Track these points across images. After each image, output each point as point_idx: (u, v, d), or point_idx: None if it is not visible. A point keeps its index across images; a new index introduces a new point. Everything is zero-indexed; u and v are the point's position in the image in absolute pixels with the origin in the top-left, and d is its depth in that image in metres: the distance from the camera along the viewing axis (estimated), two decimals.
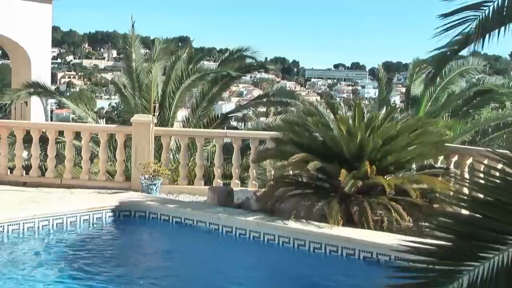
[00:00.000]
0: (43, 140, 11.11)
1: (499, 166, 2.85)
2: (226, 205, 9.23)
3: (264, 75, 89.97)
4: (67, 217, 8.84)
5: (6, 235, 8.19)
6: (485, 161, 7.73)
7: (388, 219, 8.06)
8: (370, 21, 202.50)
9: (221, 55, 15.90)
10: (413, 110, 13.16)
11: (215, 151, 11.04)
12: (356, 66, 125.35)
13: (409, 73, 14.84)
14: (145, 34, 23.05)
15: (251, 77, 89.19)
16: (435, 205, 8.10)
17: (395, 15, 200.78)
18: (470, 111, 13.42)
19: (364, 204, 8.16)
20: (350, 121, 9.14)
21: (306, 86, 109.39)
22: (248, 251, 8.41)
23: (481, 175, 2.91)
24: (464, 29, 5.22)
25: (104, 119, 22.89)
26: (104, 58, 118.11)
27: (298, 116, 10.44)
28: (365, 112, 9.42)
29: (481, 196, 2.83)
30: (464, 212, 2.88)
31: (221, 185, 10.43)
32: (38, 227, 8.55)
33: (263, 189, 9.41)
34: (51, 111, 23.31)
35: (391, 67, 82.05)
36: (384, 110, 10.33)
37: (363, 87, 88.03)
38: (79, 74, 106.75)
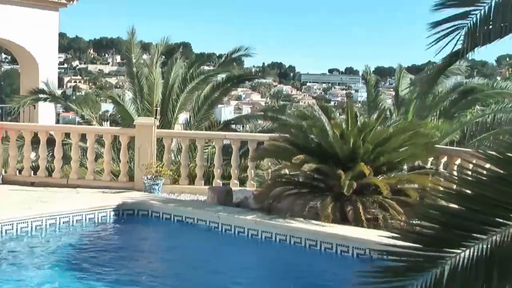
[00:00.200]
0: (50, 142, 11.26)
1: (487, 165, 2.99)
2: (225, 204, 9.36)
3: (262, 80, 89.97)
4: (73, 216, 9.01)
5: (15, 233, 8.38)
6: (474, 161, 7.94)
7: (383, 217, 8.18)
8: (362, 29, 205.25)
9: (220, 60, 16.07)
10: (402, 111, 13.60)
11: (215, 152, 11.16)
12: (349, 71, 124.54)
13: (396, 77, 15.86)
14: (147, 40, 23.19)
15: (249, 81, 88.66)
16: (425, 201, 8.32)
17: (384, 24, 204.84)
18: (455, 115, 13.70)
19: (357, 204, 8.29)
20: (344, 125, 9.29)
21: (302, 90, 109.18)
22: (246, 248, 8.55)
23: (469, 172, 3.00)
24: (454, 37, 5.34)
25: (109, 122, 23.13)
26: (108, 63, 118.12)
27: (294, 119, 10.60)
28: (358, 115, 9.61)
29: (468, 191, 2.93)
30: (452, 206, 3.00)
31: (221, 185, 10.56)
32: (46, 225, 8.71)
33: (261, 189, 9.56)
34: (58, 114, 23.63)
35: (383, 72, 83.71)
36: (376, 114, 10.60)
37: (356, 91, 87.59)
38: (85, 78, 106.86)
